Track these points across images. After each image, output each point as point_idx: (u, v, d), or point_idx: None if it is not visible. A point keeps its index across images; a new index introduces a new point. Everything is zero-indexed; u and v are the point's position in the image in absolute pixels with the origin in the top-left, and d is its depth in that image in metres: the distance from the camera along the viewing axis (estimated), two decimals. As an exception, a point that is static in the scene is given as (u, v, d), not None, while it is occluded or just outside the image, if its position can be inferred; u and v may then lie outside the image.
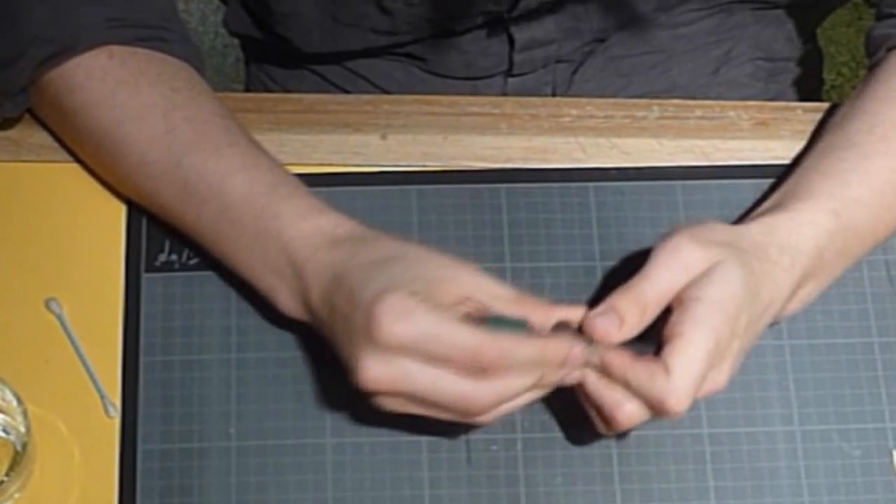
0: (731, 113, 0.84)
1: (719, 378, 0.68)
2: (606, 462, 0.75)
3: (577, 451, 0.75)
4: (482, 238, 0.79)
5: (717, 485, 0.75)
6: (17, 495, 0.73)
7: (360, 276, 0.67)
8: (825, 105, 0.85)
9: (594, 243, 0.80)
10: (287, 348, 0.77)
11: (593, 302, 0.69)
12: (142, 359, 0.76)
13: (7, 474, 0.70)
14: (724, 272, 0.67)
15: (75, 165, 0.81)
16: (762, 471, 0.75)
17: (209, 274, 0.78)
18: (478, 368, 0.64)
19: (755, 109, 0.85)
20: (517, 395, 0.67)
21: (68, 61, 0.74)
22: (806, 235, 0.72)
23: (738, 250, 0.69)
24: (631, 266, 0.78)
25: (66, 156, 0.81)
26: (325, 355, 0.76)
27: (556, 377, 0.68)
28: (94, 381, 0.76)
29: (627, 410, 0.67)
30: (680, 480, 0.75)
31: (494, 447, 0.75)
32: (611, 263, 0.79)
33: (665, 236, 0.69)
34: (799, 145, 0.83)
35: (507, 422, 0.75)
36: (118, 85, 0.74)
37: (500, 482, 0.75)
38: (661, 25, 0.93)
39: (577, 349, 0.67)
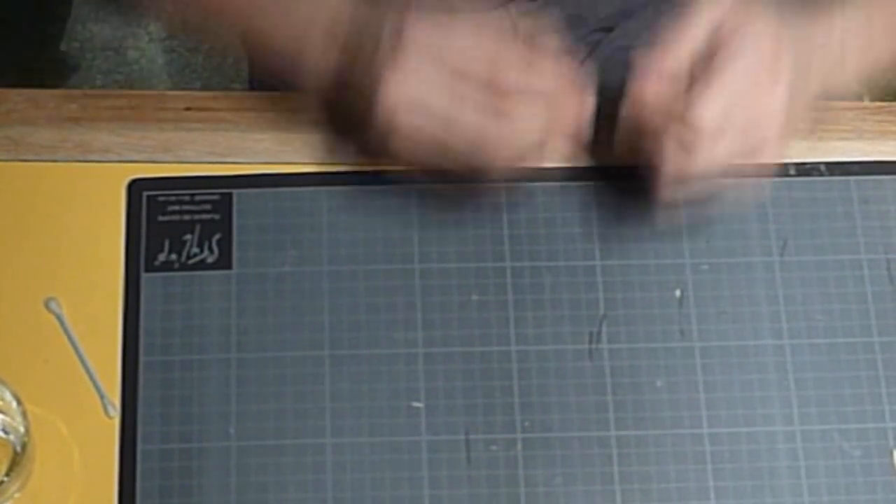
0: (732, 112, 0.84)
1: (770, 114, 0.68)
2: (606, 462, 0.75)
3: (577, 451, 0.75)
4: (482, 238, 0.79)
5: (717, 485, 0.75)
6: (17, 495, 0.73)
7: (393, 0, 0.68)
8: (826, 104, 0.84)
9: (594, 243, 0.80)
10: (287, 348, 0.77)
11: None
12: (141, 359, 0.76)
13: (7, 474, 0.70)
14: (762, 15, 0.68)
15: (75, 165, 0.81)
16: (762, 471, 0.75)
17: (209, 274, 0.78)
18: (496, 92, 0.65)
19: (756, 108, 0.85)
20: (532, 132, 0.68)
21: None
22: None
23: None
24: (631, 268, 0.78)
25: (65, 155, 0.81)
26: (325, 354, 0.76)
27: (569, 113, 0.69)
28: (94, 381, 0.76)
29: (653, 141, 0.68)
30: (680, 480, 0.75)
31: (494, 447, 0.75)
32: (611, 263, 0.79)
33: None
34: (799, 145, 0.82)
35: (507, 422, 0.75)
36: None
37: (500, 482, 0.74)
38: (664, 13, 0.93)
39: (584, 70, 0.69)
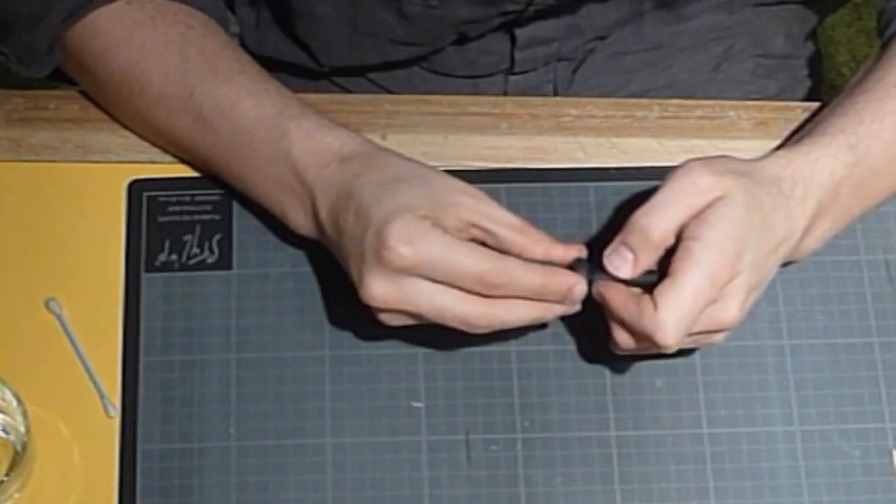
0: (732, 113, 0.84)
1: (727, 313, 0.69)
2: (606, 462, 0.75)
3: (577, 451, 0.75)
4: (482, 238, 0.79)
5: (717, 485, 0.75)
6: (17, 495, 0.73)
7: (370, 195, 0.69)
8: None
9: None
10: (287, 348, 0.77)
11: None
12: (142, 359, 0.76)
13: (7, 474, 0.70)
14: (728, 210, 0.68)
15: (75, 165, 0.81)
16: (762, 471, 0.75)
17: (209, 274, 0.78)
18: (483, 289, 0.67)
19: (755, 109, 0.85)
20: (518, 320, 0.69)
21: (91, 12, 0.77)
22: (820, 167, 0.73)
23: (751, 182, 0.70)
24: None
25: (66, 156, 0.81)
26: (326, 354, 0.76)
27: (557, 309, 0.70)
28: (94, 381, 0.76)
29: (623, 337, 0.70)
30: (680, 480, 0.75)
31: (494, 447, 0.75)
32: (611, 263, 0.79)
33: (678, 165, 0.70)
34: (799, 145, 0.82)
35: (507, 422, 0.75)
36: (136, 26, 0.77)
37: (500, 482, 0.74)
38: (662, 21, 0.93)
39: (577, 287, 0.69)
